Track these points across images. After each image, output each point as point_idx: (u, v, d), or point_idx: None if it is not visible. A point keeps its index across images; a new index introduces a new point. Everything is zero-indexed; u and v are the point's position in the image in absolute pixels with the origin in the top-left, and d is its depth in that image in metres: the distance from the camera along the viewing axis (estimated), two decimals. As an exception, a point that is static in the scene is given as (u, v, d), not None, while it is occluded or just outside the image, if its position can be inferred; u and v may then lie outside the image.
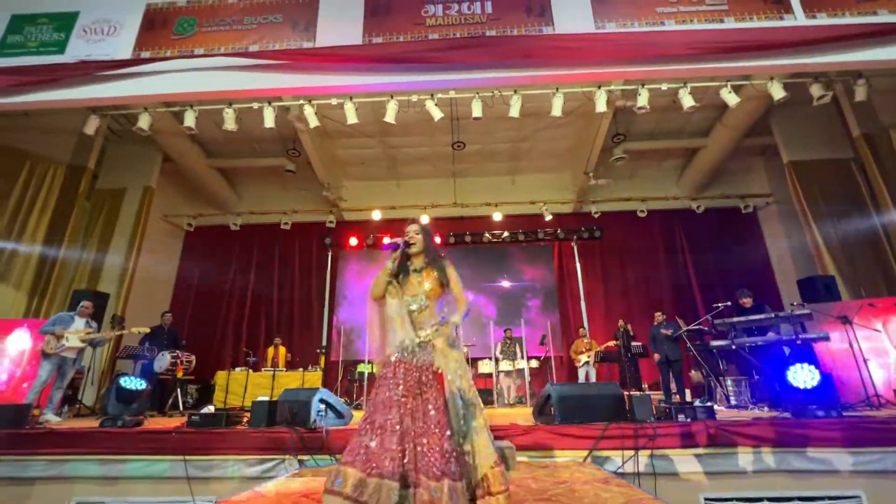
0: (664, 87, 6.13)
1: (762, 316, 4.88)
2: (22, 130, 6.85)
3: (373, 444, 1.87)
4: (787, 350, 4.71)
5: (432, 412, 1.93)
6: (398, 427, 1.89)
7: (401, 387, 1.98)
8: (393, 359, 2.06)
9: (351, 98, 6.27)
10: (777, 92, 5.89)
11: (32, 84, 5.03)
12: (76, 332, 4.89)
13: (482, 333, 8.60)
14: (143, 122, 6.33)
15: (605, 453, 3.39)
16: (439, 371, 2.02)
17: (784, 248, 8.81)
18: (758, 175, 9.48)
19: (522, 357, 7.63)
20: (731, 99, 6.07)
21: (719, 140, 8.33)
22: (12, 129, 6.76)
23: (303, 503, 2.30)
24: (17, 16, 5.36)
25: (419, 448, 1.86)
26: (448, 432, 1.88)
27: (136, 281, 7.75)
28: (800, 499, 3.18)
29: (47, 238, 6.70)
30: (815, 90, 6.01)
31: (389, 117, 6.21)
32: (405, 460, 1.84)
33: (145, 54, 5.13)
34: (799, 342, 4.43)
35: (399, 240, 2.17)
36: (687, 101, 6.06)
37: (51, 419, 4.64)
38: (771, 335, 4.80)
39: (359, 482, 1.80)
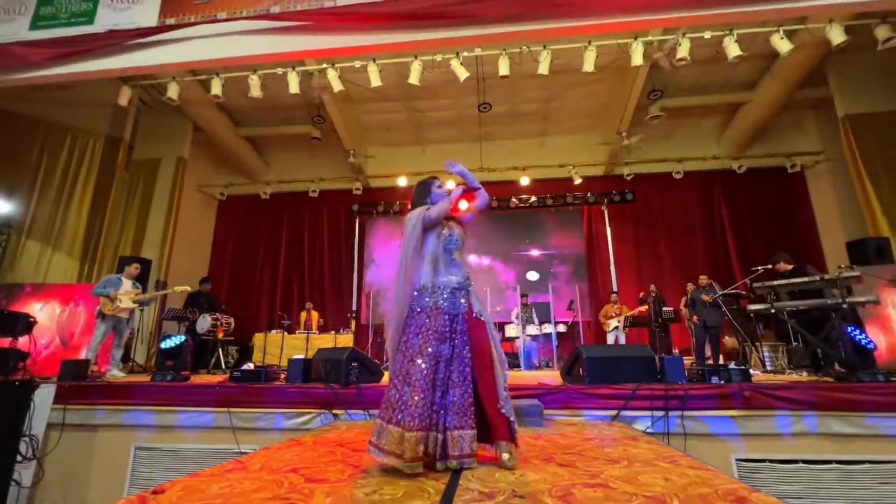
0: (707, 35, 5.69)
1: (806, 279, 4.64)
2: (61, 104, 7.09)
3: (405, 397, 1.87)
4: (831, 314, 4.49)
5: (466, 361, 1.95)
6: (430, 377, 1.90)
7: (431, 335, 1.96)
8: (417, 307, 2.03)
9: (374, 60, 6.13)
10: (836, 36, 5.36)
11: (66, 56, 5.15)
12: (127, 293, 5.19)
13: (502, 300, 8.66)
14: (172, 91, 6.43)
15: (634, 413, 3.39)
16: (480, 318, 2.06)
17: (833, 209, 8.24)
18: (808, 131, 8.80)
19: (537, 323, 7.64)
20: (782, 46, 5.57)
21: (767, 93, 7.74)
22: (52, 103, 7.01)
23: (337, 451, 2.42)
24: (47, -14, 5.43)
25: (451, 398, 1.89)
26: (461, 385, 1.93)
27: (175, 247, 8.11)
28: (839, 462, 3.11)
29: (92, 207, 7.04)
30: (882, 32, 5.43)
31: (414, 79, 6.06)
32: (438, 410, 1.87)
33: (170, 21, 5.13)
34: (845, 305, 4.21)
35: (476, 182, 2.26)
36: (733, 50, 5.61)
37: (117, 374, 5.02)
38: (815, 300, 4.58)
39: (398, 438, 1.83)
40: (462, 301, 2.07)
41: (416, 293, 2.06)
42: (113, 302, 5.03)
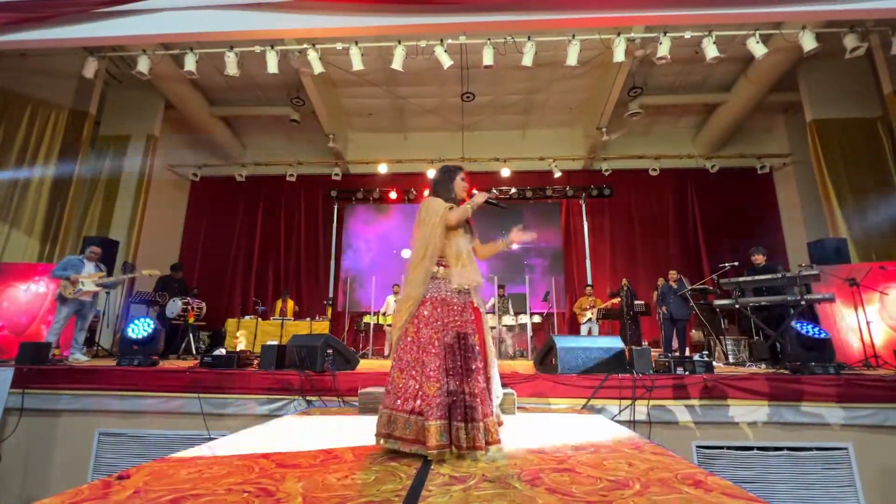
0: (687, 35, 5.79)
1: (768, 276, 4.85)
2: (21, 73, 6.68)
3: (423, 387, 1.92)
4: (790, 310, 4.72)
5: (474, 352, 2.00)
6: (441, 367, 1.94)
7: (440, 325, 2.02)
8: (426, 297, 2.07)
9: (357, 42, 6.00)
10: (808, 42, 5.55)
11: (26, 22, 4.85)
12: (90, 276, 4.98)
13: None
14: (143, 65, 6.15)
15: (602, 402, 3.50)
16: (479, 308, 2.15)
17: (797, 210, 8.62)
18: (778, 134, 9.12)
19: (514, 314, 7.76)
20: (758, 50, 5.74)
21: (742, 95, 7.96)
22: (11, 71, 6.59)
23: (308, 436, 2.42)
24: (4, -55, 5.06)
25: (464, 388, 1.93)
26: (484, 373, 2.01)
27: (144, 229, 7.82)
28: (789, 448, 3.30)
29: (54, 184, 6.68)
30: (850, 41, 5.65)
31: (397, 64, 5.97)
32: (455, 400, 1.90)
33: (141, -11, 4.88)
34: (803, 302, 4.43)
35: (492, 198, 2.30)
36: (711, 51, 5.75)
37: (80, 359, 4.83)
38: (776, 297, 4.80)
39: (419, 427, 1.87)
40: (467, 293, 2.13)
41: (426, 283, 2.09)
42: (74, 285, 4.80)
